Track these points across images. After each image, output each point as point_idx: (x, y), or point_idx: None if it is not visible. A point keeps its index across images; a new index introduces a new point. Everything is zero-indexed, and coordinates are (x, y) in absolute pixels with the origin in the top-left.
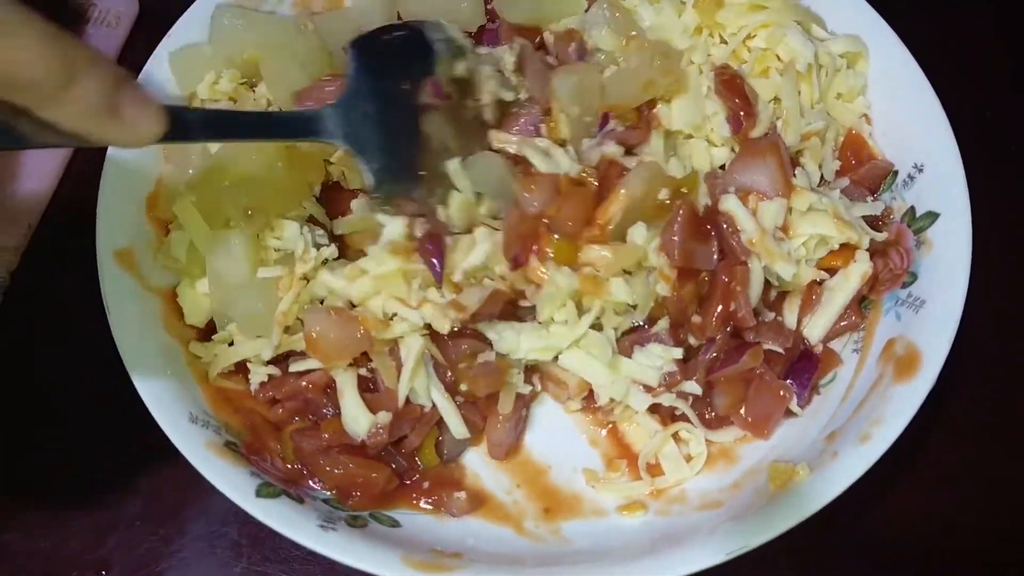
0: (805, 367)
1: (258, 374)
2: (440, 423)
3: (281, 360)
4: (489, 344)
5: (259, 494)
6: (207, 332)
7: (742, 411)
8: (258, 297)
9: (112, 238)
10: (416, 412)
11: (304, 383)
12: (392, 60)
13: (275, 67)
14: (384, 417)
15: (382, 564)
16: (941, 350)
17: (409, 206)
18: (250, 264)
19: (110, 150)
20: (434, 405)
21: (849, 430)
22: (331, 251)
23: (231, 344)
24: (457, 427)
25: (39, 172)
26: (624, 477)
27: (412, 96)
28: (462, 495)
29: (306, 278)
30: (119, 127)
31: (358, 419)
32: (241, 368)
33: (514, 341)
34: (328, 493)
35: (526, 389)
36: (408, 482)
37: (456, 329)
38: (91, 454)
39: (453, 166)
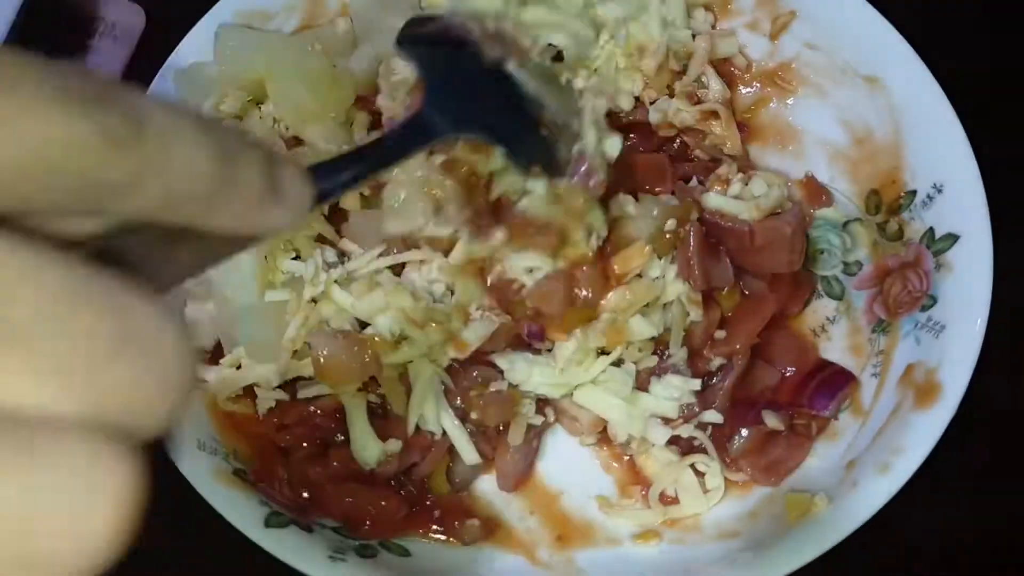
0: (833, 380)
1: (266, 399)
2: (451, 450)
3: (289, 385)
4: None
5: (268, 524)
6: (215, 355)
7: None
8: (265, 321)
9: None
10: (426, 440)
11: (312, 408)
12: (444, 37)
13: (282, 87)
14: (394, 445)
15: None
16: (962, 378)
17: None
18: (258, 286)
19: None
20: (444, 432)
21: (868, 459)
22: (340, 272)
23: (239, 367)
24: (468, 454)
25: None
26: (638, 504)
27: (483, 60)
28: (475, 523)
29: (315, 300)
30: (283, 208)
31: (367, 447)
32: (249, 392)
33: (525, 373)
34: (336, 523)
35: (538, 420)
36: (418, 510)
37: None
38: None
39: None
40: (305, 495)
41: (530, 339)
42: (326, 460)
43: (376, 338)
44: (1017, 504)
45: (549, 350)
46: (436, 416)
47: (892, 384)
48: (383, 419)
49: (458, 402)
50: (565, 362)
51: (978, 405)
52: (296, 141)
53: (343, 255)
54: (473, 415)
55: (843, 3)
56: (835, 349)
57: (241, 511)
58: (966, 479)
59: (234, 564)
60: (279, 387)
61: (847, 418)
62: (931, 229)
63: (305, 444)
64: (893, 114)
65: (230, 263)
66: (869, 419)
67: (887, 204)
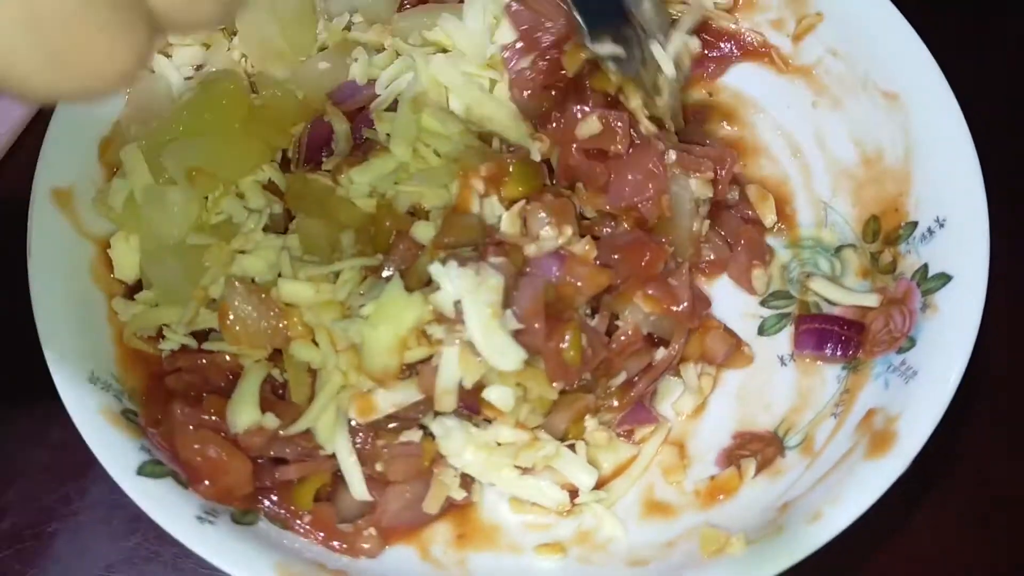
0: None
1: (172, 341)
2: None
3: (203, 336)
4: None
5: (141, 472)
6: (136, 289)
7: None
8: (180, 264)
9: (53, 174)
10: (312, 445)
11: (208, 360)
12: None
13: (253, 22)
14: (271, 420)
15: (254, 570)
16: (921, 431)
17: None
18: (187, 226)
19: None
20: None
21: (802, 504)
22: (260, 220)
23: (156, 306)
24: (357, 488)
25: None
26: (552, 515)
27: None
28: (372, 531)
29: (243, 252)
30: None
31: (242, 410)
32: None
33: (459, 445)
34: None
35: (460, 495)
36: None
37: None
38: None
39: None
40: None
41: (466, 410)
42: (199, 407)
43: (296, 319)
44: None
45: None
46: (332, 435)
47: (850, 427)
48: (280, 399)
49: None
50: (513, 451)
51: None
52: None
53: (290, 216)
54: (377, 466)
55: (873, 10)
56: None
57: (115, 453)
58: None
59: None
60: (192, 335)
61: (795, 457)
62: (925, 265)
63: (192, 393)
64: (907, 136)
65: (161, 199)
66: (817, 460)
67: (885, 233)
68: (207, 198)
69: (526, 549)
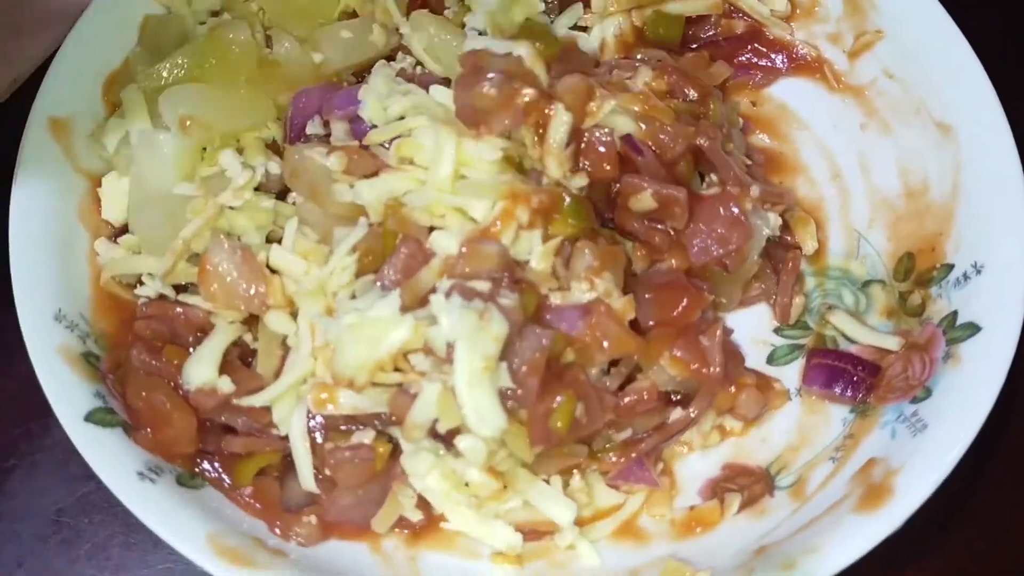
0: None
1: (148, 289)
2: (291, 461)
3: (182, 289)
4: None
5: (89, 418)
6: (122, 233)
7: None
8: (164, 214)
9: (53, 102)
10: (266, 422)
11: (180, 312)
12: None
13: None
14: (226, 384)
15: (183, 537)
16: (921, 491)
17: None
18: (176, 175)
19: (90, 12)
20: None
21: (780, 550)
22: (253, 178)
23: (138, 253)
24: (306, 478)
25: None
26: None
27: None
28: (312, 520)
29: (232, 208)
30: None
31: (199, 368)
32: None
33: (424, 467)
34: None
35: (416, 516)
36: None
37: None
38: None
39: None
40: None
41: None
42: (157, 354)
43: (278, 288)
44: None
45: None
46: (289, 418)
47: (847, 475)
48: (245, 368)
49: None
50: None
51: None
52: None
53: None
54: (325, 470)
55: (937, 34)
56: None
57: (66, 395)
58: None
59: None
60: (174, 289)
61: (784, 498)
62: (955, 313)
63: (157, 342)
64: (957, 172)
65: (154, 144)
66: (806, 506)
67: (918, 273)
68: (204, 150)
69: (482, 555)
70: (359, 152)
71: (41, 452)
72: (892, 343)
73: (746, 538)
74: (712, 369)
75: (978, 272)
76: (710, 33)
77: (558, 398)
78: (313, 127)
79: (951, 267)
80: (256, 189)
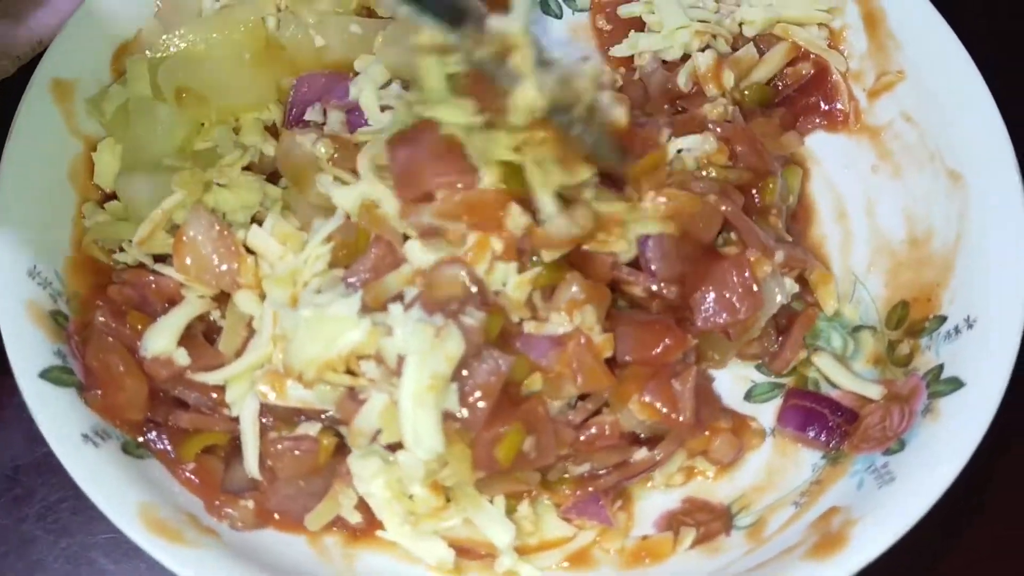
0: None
1: (126, 256)
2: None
3: (161, 260)
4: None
5: (44, 375)
6: (110, 198)
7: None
8: (151, 183)
9: (58, 64)
10: (218, 401)
11: (152, 280)
12: None
13: None
14: (182, 356)
15: (113, 503)
16: (876, 544)
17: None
18: (168, 146)
19: None
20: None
21: None
22: (243, 157)
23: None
24: (251, 463)
25: None
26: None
27: None
28: (249, 504)
29: (220, 185)
30: None
31: (159, 336)
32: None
33: (370, 473)
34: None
35: (355, 518)
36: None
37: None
38: None
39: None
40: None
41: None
42: (122, 318)
43: (251, 268)
44: None
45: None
46: (242, 401)
47: (807, 521)
48: (207, 344)
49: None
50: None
51: None
52: None
53: None
54: (267, 461)
55: (958, 80)
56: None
57: (25, 347)
58: None
59: None
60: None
61: (739, 538)
62: (941, 366)
63: (125, 308)
64: (962, 222)
65: (150, 113)
66: (761, 548)
67: (911, 322)
68: (203, 125)
69: (421, 562)
70: (348, 144)
71: (6, 408)
72: (874, 391)
73: (694, 574)
74: (681, 416)
75: (970, 327)
76: (780, 85)
77: (506, 428)
78: (313, 114)
79: (944, 319)
80: (248, 169)
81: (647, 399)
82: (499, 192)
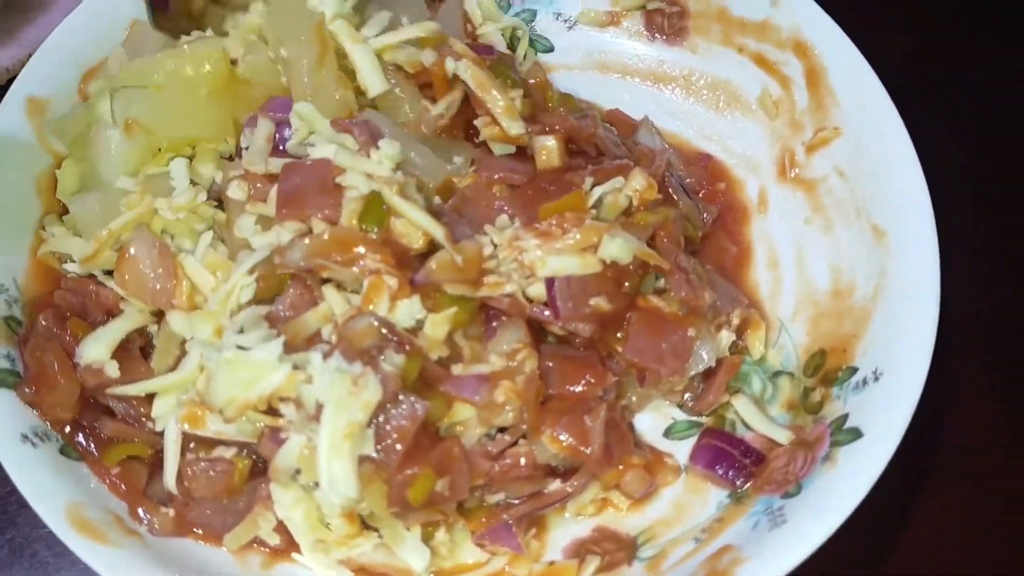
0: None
1: (72, 267)
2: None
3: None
4: None
5: None
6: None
7: None
8: (99, 203)
9: (34, 83)
10: (144, 414)
11: (94, 291)
12: None
13: None
14: (112, 368)
15: (43, 503)
16: None
17: None
18: (119, 170)
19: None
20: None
21: None
22: (191, 198)
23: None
24: (169, 477)
25: None
26: None
27: None
28: (169, 512)
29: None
30: None
31: (93, 345)
32: None
33: (290, 501)
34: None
35: (274, 540)
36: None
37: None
38: None
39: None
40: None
41: None
42: (63, 325)
43: (186, 289)
44: None
45: None
46: (166, 417)
47: (702, 557)
48: (142, 360)
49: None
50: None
51: None
52: None
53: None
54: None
55: (888, 141)
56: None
57: None
58: None
59: None
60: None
61: (639, 569)
62: (845, 416)
63: (68, 314)
64: (882, 278)
65: (104, 138)
66: None
67: (826, 371)
68: (160, 150)
69: None
70: (263, 180)
71: None
72: (783, 436)
73: None
74: (589, 450)
75: (876, 379)
76: None
77: (417, 472)
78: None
79: (855, 370)
80: None
81: (558, 435)
82: (359, 231)
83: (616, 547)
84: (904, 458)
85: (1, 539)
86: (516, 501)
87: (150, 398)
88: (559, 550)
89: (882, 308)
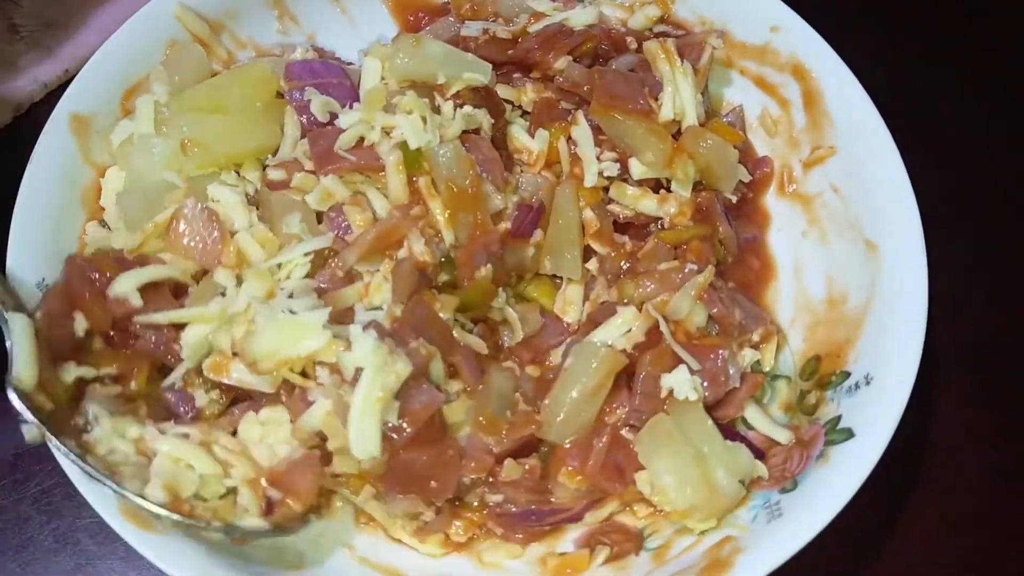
0: None
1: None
2: None
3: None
4: None
5: None
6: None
7: None
8: (144, 197)
9: (78, 100)
10: (170, 338)
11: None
12: None
13: None
14: (135, 299)
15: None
16: (754, 573)
17: None
18: (166, 166)
19: (124, 29)
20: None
21: None
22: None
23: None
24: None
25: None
26: None
27: None
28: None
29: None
30: None
31: (127, 280)
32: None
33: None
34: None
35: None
36: None
37: None
38: None
39: None
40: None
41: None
42: (104, 304)
43: (234, 249)
44: None
45: None
46: (193, 347)
47: (704, 547)
48: (172, 298)
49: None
50: None
51: None
52: None
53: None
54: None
55: (879, 160)
56: None
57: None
58: None
59: None
60: None
61: (646, 559)
62: (839, 417)
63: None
64: (873, 289)
65: (148, 147)
66: (662, 567)
67: (820, 375)
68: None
69: None
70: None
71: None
72: (783, 436)
73: None
74: (592, 464)
75: (867, 383)
76: None
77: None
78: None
79: (848, 375)
80: None
81: (568, 464)
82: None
83: (624, 538)
84: (892, 458)
85: (46, 528)
86: (512, 508)
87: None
88: (571, 541)
89: (873, 317)
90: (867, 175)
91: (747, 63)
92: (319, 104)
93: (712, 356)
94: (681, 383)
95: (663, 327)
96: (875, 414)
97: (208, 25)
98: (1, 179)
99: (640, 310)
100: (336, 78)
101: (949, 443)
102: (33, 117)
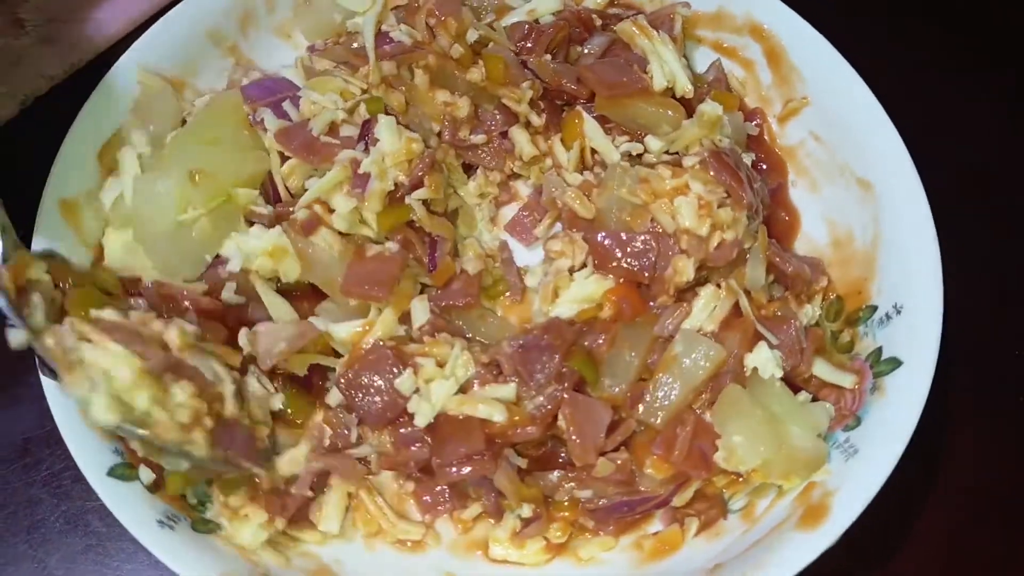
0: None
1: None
2: None
3: None
4: None
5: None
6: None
7: None
8: (175, 244)
9: (61, 186)
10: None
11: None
12: None
13: None
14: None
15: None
16: (853, 509)
17: None
18: (175, 211)
19: (89, 104)
20: None
21: (732, 567)
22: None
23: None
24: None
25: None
26: None
27: None
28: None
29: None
30: None
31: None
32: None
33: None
34: None
35: None
36: None
37: None
38: None
39: None
40: None
41: None
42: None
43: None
44: None
45: None
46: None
47: (790, 498)
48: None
49: None
50: None
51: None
52: None
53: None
54: None
55: (855, 101)
56: None
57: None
58: None
59: None
60: None
61: (736, 520)
62: (879, 349)
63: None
64: (877, 224)
65: (151, 189)
66: (756, 526)
67: (847, 314)
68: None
69: None
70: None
71: (23, 387)
72: (848, 381)
73: (702, 558)
74: (676, 454)
75: (898, 312)
76: None
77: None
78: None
79: (875, 308)
80: None
81: (657, 454)
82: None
83: (708, 505)
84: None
85: (56, 511)
86: (602, 502)
87: None
88: (657, 519)
89: (885, 250)
90: (847, 118)
91: (703, 32)
92: (272, 122)
93: (786, 327)
94: (765, 362)
95: (743, 303)
96: (916, 338)
97: (170, 84)
98: (7, 170)
99: (718, 287)
100: (290, 92)
101: (965, 444)
102: (39, 110)
